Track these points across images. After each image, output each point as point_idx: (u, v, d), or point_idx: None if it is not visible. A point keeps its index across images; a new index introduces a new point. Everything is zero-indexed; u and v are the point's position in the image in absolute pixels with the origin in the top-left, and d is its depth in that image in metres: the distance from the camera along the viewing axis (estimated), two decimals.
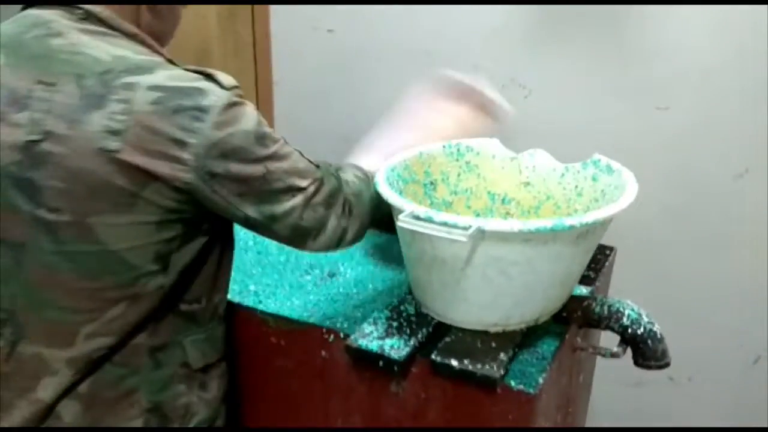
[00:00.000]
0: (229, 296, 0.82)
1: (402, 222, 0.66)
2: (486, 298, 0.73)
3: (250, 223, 0.70)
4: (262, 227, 0.71)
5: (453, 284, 0.73)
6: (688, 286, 1.27)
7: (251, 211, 0.69)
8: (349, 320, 0.81)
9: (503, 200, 1.01)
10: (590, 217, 0.68)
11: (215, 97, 0.63)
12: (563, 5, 1.19)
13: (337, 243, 0.75)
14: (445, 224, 0.66)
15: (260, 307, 0.84)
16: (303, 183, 0.71)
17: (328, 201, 0.73)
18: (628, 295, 1.28)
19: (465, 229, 0.64)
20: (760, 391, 1.27)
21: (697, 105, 1.16)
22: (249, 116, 0.66)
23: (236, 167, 0.65)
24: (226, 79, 0.67)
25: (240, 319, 0.84)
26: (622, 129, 1.22)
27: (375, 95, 1.42)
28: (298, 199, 0.70)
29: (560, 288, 0.77)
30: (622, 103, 1.21)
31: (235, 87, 0.67)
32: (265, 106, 1.54)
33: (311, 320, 0.81)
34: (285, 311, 0.83)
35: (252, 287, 0.90)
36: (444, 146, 0.98)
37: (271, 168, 0.68)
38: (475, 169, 1.00)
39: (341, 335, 0.77)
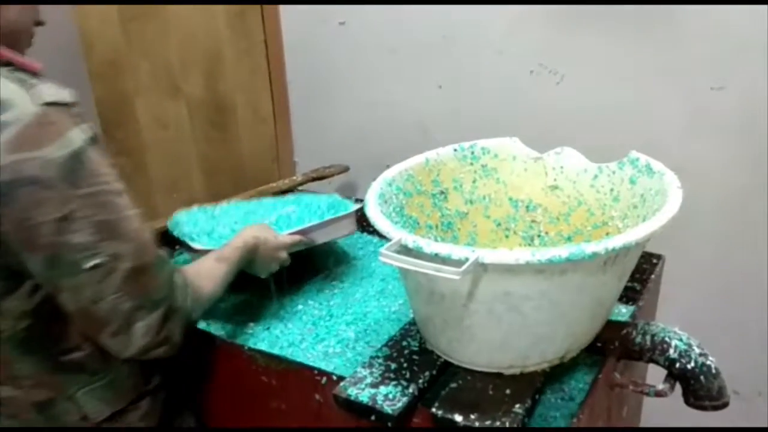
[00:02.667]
0: (213, 330, 0.74)
1: (385, 258, 0.55)
2: (496, 337, 0.62)
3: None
4: (51, 293, 0.58)
5: (456, 321, 0.62)
6: (754, 291, 1.11)
7: (33, 266, 0.55)
8: (344, 359, 0.71)
9: (528, 207, 0.88)
10: (619, 241, 0.55)
11: (18, 111, 0.53)
12: None
13: (143, 352, 0.60)
14: (436, 257, 0.55)
15: (248, 343, 0.75)
16: (119, 247, 0.55)
17: (144, 297, 0.58)
18: (684, 306, 1.15)
19: (458, 264, 0.53)
20: None
21: (756, 83, 0.98)
22: (65, 141, 0.53)
23: (24, 202, 0.52)
24: (51, 91, 0.55)
25: (226, 356, 0.76)
26: (670, 113, 1.06)
27: (391, 87, 1.31)
28: (104, 267, 0.55)
29: (589, 321, 0.65)
30: (670, 84, 1.05)
31: (63, 104, 0.55)
32: (280, 106, 1.46)
33: (302, 360, 0.72)
34: (275, 348, 0.74)
35: (239, 320, 0.82)
36: (455, 149, 0.87)
37: (76, 215, 0.53)
38: (493, 173, 0.88)
39: (334, 378, 0.68)
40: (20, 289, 0.59)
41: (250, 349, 0.75)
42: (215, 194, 1.26)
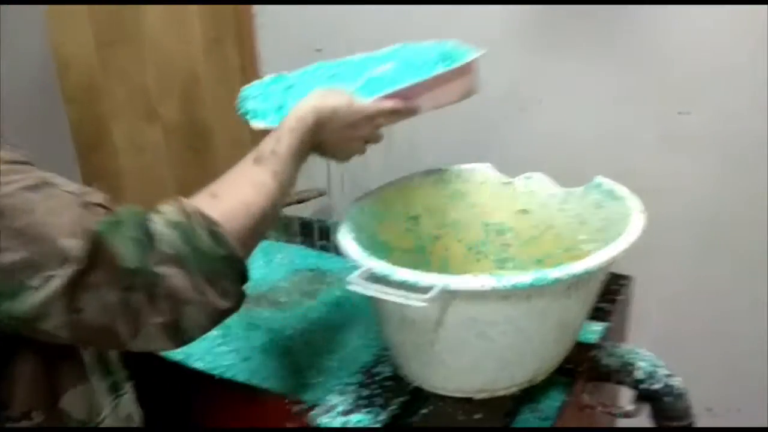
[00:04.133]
0: (183, 359, 0.74)
1: (353, 286, 0.56)
2: (466, 363, 0.63)
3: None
4: (32, 332, 0.46)
5: (426, 347, 0.63)
6: (724, 308, 1.13)
7: None
8: (315, 387, 0.71)
9: (499, 231, 0.90)
10: (581, 267, 0.57)
11: None
12: (563, 5, 1.07)
13: (173, 336, 0.49)
14: (403, 285, 0.56)
15: (217, 371, 0.75)
16: (61, 247, 0.44)
17: (118, 276, 0.46)
18: (653, 325, 1.17)
19: (426, 291, 0.54)
20: None
21: (720, 107, 1.02)
22: None
23: None
24: None
25: (201, 386, 0.76)
26: (639, 137, 1.09)
27: None
28: (56, 281, 0.44)
29: (556, 345, 0.66)
30: (639, 109, 1.08)
31: None
32: (259, 134, 1.47)
33: (273, 387, 0.71)
34: (243, 376, 0.74)
35: (201, 351, 0.81)
36: (428, 174, 0.89)
37: None
38: (465, 197, 0.90)
39: (306, 406, 0.68)
40: None
41: (220, 378, 0.74)
42: None
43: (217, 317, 0.51)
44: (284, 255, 1.08)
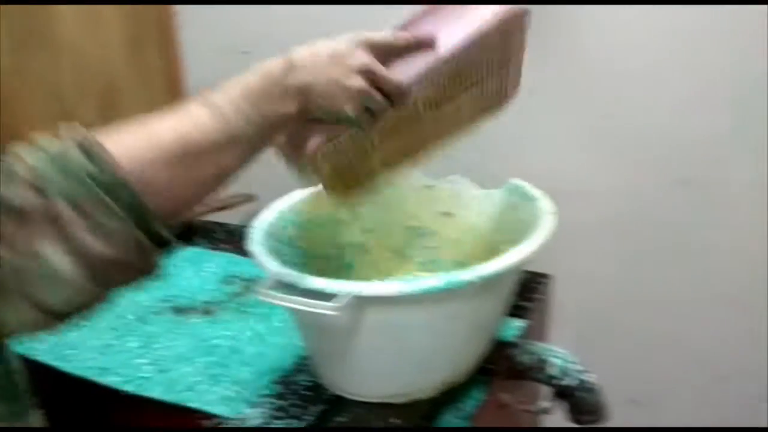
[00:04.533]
0: (91, 376, 0.70)
1: (261, 296, 0.55)
2: (381, 368, 0.63)
3: None
4: None
5: (341, 355, 0.62)
6: (640, 302, 1.18)
7: None
8: (216, 396, 0.69)
9: (423, 234, 0.90)
10: (491, 268, 0.58)
11: None
12: None
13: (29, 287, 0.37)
14: (313, 293, 0.55)
15: (115, 383, 0.72)
16: None
17: None
18: (575, 321, 1.21)
19: (333, 299, 0.53)
20: (723, 408, 1.18)
21: (638, 110, 1.06)
22: None
23: None
24: None
25: (110, 403, 0.72)
26: (559, 140, 1.12)
27: None
28: None
29: (472, 346, 0.67)
30: (558, 112, 1.11)
31: None
32: None
33: (171, 398, 0.69)
34: (142, 387, 0.71)
35: (100, 359, 0.77)
36: None
37: None
38: (388, 201, 0.90)
39: (217, 420, 0.66)
40: None
41: (133, 394, 0.71)
42: None
43: (92, 265, 0.38)
44: (215, 264, 1.05)
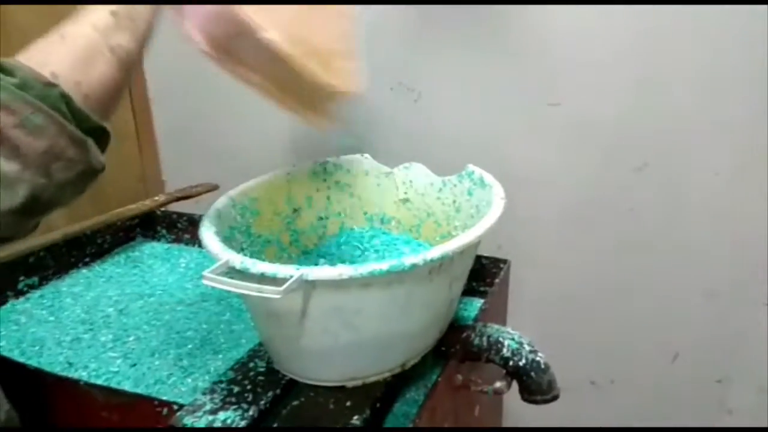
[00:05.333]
0: (44, 366, 0.69)
1: (207, 281, 0.55)
2: (333, 353, 0.63)
3: None
4: None
5: (293, 340, 0.63)
6: (600, 287, 1.21)
7: None
8: (187, 387, 0.69)
9: (382, 220, 0.91)
10: (436, 252, 0.58)
11: None
12: (441, 5, 1.09)
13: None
14: (262, 278, 0.55)
15: (83, 377, 0.71)
16: None
17: None
18: (536, 307, 1.23)
19: (283, 282, 0.53)
20: (679, 387, 1.22)
21: (588, 98, 1.08)
22: None
23: None
24: None
25: (62, 394, 0.72)
26: (514, 127, 1.14)
27: (259, 104, 1.30)
28: None
29: (425, 329, 0.68)
30: (513, 101, 1.12)
31: None
32: (142, 123, 1.40)
33: (141, 391, 0.69)
34: (111, 380, 0.71)
35: (68, 354, 0.77)
36: (305, 166, 0.88)
37: None
38: (347, 188, 0.90)
39: (175, 408, 0.66)
40: None
41: (86, 383, 0.70)
42: (74, 218, 1.18)
43: (25, 156, 0.41)
44: (188, 258, 1.04)
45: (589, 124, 1.10)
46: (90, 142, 0.48)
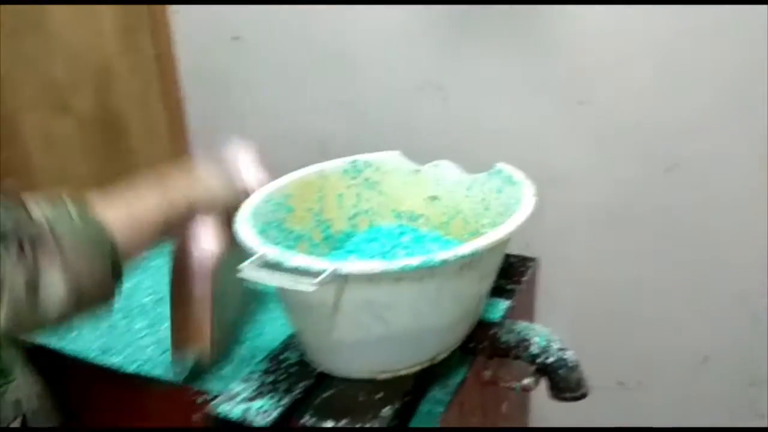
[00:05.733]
0: (85, 354, 0.72)
1: (243, 274, 0.56)
2: (364, 345, 0.65)
3: None
4: None
5: (325, 332, 0.64)
6: (631, 287, 1.20)
7: None
8: (222, 377, 0.71)
9: (410, 218, 0.92)
10: (467, 249, 0.59)
11: None
12: (470, 5, 1.10)
13: (32, 295, 0.50)
14: (296, 270, 0.57)
15: (123, 366, 0.74)
16: None
17: None
18: (565, 306, 1.23)
19: (317, 275, 0.55)
20: (709, 390, 1.20)
21: (619, 97, 1.07)
22: None
23: None
24: None
25: (102, 381, 0.74)
26: (544, 126, 1.14)
27: (288, 102, 1.32)
28: None
29: (454, 324, 0.69)
30: (543, 99, 1.12)
31: None
32: (176, 123, 1.44)
33: (179, 380, 0.71)
34: (152, 370, 0.73)
35: (104, 340, 0.80)
36: (338, 164, 0.90)
37: None
38: (377, 185, 0.92)
39: (210, 396, 0.68)
40: None
41: (126, 373, 0.73)
42: None
43: (76, 281, 0.52)
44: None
45: (619, 123, 1.09)
46: (117, 283, 0.59)
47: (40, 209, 0.53)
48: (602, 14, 1.03)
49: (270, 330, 0.82)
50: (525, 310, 0.95)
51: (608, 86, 1.08)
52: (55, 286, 0.51)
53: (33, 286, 0.50)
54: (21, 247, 0.50)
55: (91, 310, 0.56)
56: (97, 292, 0.55)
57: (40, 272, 0.51)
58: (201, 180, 0.72)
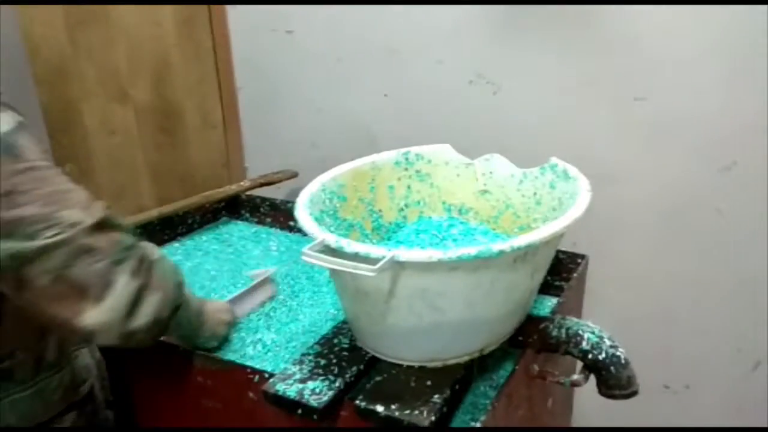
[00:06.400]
0: None
1: (306, 257, 0.58)
2: (417, 333, 0.66)
3: None
4: (13, 279, 0.55)
5: (379, 318, 0.66)
6: (681, 289, 1.17)
7: None
8: (276, 358, 0.74)
9: (460, 210, 0.93)
10: (524, 240, 0.60)
11: None
12: (527, 5, 1.09)
13: (129, 313, 0.59)
14: (356, 256, 0.58)
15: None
16: (74, 215, 0.56)
17: (115, 249, 0.58)
18: (614, 304, 1.21)
19: (375, 262, 0.56)
20: (760, 397, 1.17)
21: (676, 94, 1.05)
22: None
23: None
24: None
25: (162, 356, 0.78)
26: (598, 122, 1.12)
27: (338, 95, 1.34)
28: (65, 234, 0.55)
29: (505, 316, 0.69)
30: (598, 95, 1.11)
31: None
32: (229, 112, 1.48)
33: (236, 359, 0.74)
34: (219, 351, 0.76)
35: None
36: (390, 155, 0.91)
37: (21, 188, 0.54)
38: (428, 178, 0.93)
39: (266, 375, 0.71)
40: None
41: (185, 349, 0.76)
42: (163, 200, 1.27)
43: (158, 326, 0.63)
44: (277, 241, 1.10)
45: (676, 121, 1.07)
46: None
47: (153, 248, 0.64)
48: (660, 12, 1.01)
49: (306, 311, 0.86)
50: (573, 307, 0.94)
51: (665, 83, 1.06)
52: (152, 306, 0.61)
53: (136, 302, 0.59)
54: (138, 264, 0.59)
55: (155, 334, 0.64)
56: (167, 316, 0.64)
57: (146, 291, 0.60)
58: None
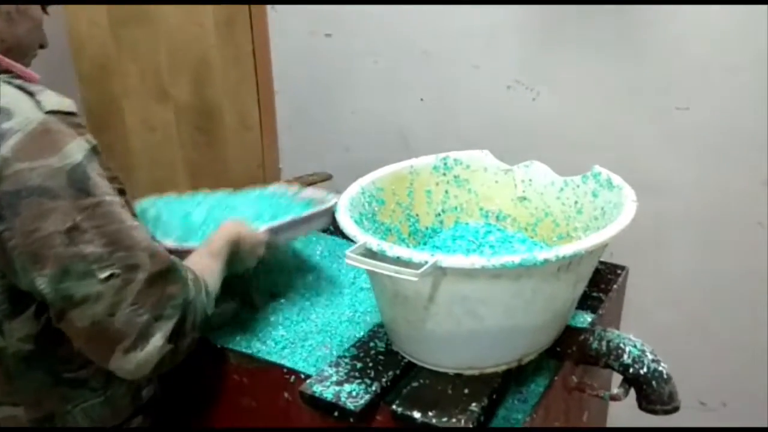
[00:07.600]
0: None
1: (349, 260, 0.58)
2: (455, 339, 0.65)
3: (46, 303, 0.56)
4: (57, 314, 0.56)
5: (418, 323, 0.65)
6: (720, 304, 1.15)
7: (42, 283, 0.53)
8: (312, 359, 0.74)
9: (498, 217, 0.92)
10: (569, 250, 0.59)
11: (21, 119, 0.52)
12: (567, 5, 1.08)
13: (156, 368, 0.59)
14: (398, 260, 0.58)
15: (220, 342, 0.78)
16: (134, 258, 0.55)
17: (162, 305, 0.57)
18: (651, 318, 1.18)
19: (418, 267, 0.56)
20: None
21: (718, 104, 1.03)
22: (68, 152, 0.53)
23: (30, 213, 0.51)
24: (52, 99, 0.55)
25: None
26: (638, 132, 1.10)
27: (374, 98, 1.35)
28: (119, 280, 0.54)
29: (545, 326, 0.68)
30: (639, 104, 1.09)
31: (65, 113, 0.55)
32: (266, 114, 1.49)
33: (273, 359, 0.74)
34: (246, 347, 0.77)
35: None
36: (429, 160, 0.90)
37: (84, 226, 0.53)
38: (466, 183, 0.92)
39: (302, 376, 0.71)
40: (26, 312, 0.59)
41: (222, 347, 0.77)
42: None
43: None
44: (323, 247, 1.09)
45: (718, 131, 1.04)
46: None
47: (195, 285, 0.64)
48: (706, 15, 0.99)
49: (342, 314, 0.85)
50: (612, 319, 0.92)
51: (708, 92, 1.03)
52: (181, 355, 0.62)
53: (164, 360, 0.59)
54: (178, 326, 0.59)
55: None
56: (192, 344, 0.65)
57: (176, 352, 0.60)
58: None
